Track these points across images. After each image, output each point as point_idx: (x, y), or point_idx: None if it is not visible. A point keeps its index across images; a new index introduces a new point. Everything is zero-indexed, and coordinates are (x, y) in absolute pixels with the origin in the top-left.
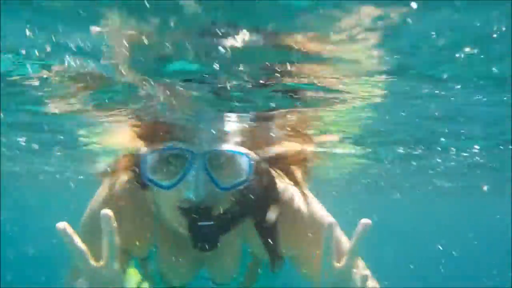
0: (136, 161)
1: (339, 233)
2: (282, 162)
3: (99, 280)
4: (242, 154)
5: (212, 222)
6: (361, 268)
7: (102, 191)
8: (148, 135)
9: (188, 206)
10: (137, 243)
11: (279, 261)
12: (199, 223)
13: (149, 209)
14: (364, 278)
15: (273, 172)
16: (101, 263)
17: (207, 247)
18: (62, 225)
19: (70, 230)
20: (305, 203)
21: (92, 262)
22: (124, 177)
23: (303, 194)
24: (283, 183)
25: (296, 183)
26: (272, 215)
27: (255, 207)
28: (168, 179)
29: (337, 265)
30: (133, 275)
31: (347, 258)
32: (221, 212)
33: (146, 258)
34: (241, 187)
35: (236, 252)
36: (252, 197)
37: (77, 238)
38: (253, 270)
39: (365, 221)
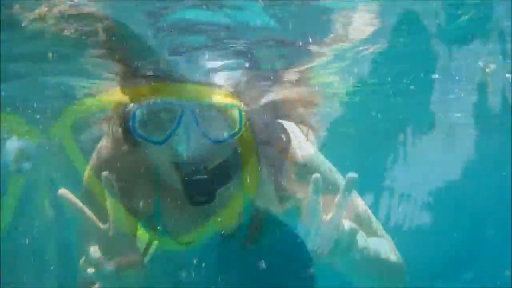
0: (125, 117)
1: (339, 183)
2: (286, 108)
3: (111, 243)
4: (233, 106)
5: (205, 176)
6: (352, 222)
7: (97, 153)
8: (134, 90)
9: (181, 161)
10: (141, 202)
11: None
12: (192, 178)
13: (145, 166)
14: (353, 232)
15: (272, 120)
16: (109, 225)
17: (203, 202)
18: (63, 191)
19: (72, 196)
20: (304, 150)
21: (101, 225)
22: (115, 135)
23: (304, 141)
24: (283, 131)
25: (305, 125)
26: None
27: (252, 157)
28: (158, 134)
29: (325, 217)
30: (142, 236)
31: (334, 212)
32: (215, 165)
33: (152, 217)
34: (234, 139)
35: (238, 203)
36: (248, 148)
37: (80, 203)
38: (258, 221)
39: (351, 175)
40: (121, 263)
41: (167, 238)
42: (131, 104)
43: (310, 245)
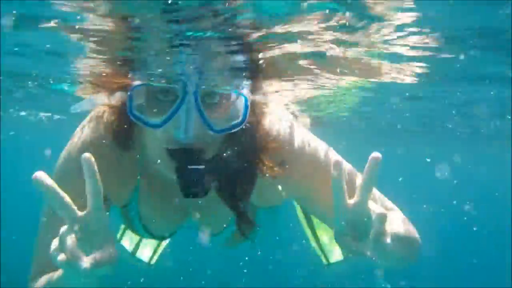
0: (122, 97)
1: (348, 168)
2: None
3: (86, 230)
4: (238, 93)
5: (202, 166)
6: (379, 207)
7: (80, 133)
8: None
9: (177, 148)
10: (118, 189)
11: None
12: (189, 167)
13: (132, 152)
14: (382, 218)
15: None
16: (86, 211)
17: (197, 193)
18: (38, 174)
19: (48, 179)
20: (305, 142)
21: (78, 212)
22: (108, 116)
23: (303, 133)
24: (278, 123)
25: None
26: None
27: (250, 151)
28: (156, 117)
29: (350, 201)
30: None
31: (359, 193)
32: (213, 156)
33: (127, 205)
34: (236, 130)
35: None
36: (247, 141)
37: (57, 187)
38: (247, 219)
39: (375, 155)
40: (97, 260)
41: (141, 229)
42: (130, 84)
43: (338, 234)
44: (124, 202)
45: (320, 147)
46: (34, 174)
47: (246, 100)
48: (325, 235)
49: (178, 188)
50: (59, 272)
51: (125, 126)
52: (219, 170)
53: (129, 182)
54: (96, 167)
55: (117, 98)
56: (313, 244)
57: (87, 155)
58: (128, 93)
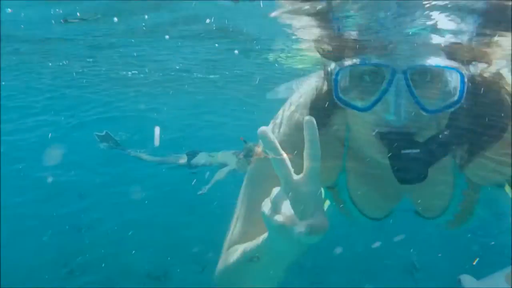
0: (325, 79)
1: None
2: None
3: (297, 196)
4: (454, 69)
5: (418, 150)
6: None
7: (293, 106)
8: (334, 50)
9: (387, 131)
10: (322, 168)
11: None
12: (402, 151)
13: (337, 132)
14: None
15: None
16: (301, 175)
17: (413, 180)
18: (264, 129)
19: (272, 135)
20: None
21: (293, 175)
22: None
23: None
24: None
25: None
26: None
27: (471, 132)
28: (363, 100)
29: None
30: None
31: None
32: (428, 138)
33: (334, 187)
34: (452, 109)
35: (447, 179)
36: (467, 121)
37: (278, 143)
38: (469, 199)
39: None
40: (312, 227)
41: (353, 209)
42: (333, 65)
43: None
44: (330, 183)
45: None
46: (260, 128)
47: (462, 76)
48: None
49: (390, 172)
50: (262, 237)
51: (326, 108)
52: (437, 154)
53: (334, 163)
54: (317, 131)
55: (318, 82)
56: None
57: (309, 118)
58: (333, 76)
